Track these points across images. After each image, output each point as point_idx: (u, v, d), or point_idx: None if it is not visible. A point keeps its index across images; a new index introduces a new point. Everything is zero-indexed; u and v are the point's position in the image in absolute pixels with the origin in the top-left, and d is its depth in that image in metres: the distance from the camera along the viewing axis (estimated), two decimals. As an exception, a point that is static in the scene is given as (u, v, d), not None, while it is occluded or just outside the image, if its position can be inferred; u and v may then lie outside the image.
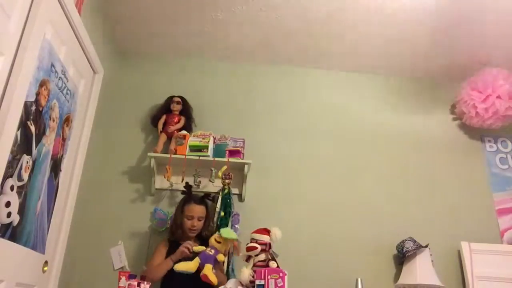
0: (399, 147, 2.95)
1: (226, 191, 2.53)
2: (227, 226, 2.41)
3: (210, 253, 2.07)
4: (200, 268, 2.04)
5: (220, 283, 2.07)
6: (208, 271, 2.01)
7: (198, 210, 2.31)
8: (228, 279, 2.23)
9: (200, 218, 2.31)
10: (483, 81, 2.79)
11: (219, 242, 2.11)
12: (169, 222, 2.52)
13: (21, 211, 1.74)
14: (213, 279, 2.01)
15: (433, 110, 3.09)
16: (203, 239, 2.28)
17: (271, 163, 2.82)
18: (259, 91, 3.04)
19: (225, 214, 2.46)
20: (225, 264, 2.34)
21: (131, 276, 2.01)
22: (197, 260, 2.06)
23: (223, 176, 2.53)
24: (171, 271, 2.11)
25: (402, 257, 2.53)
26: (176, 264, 2.06)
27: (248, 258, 2.04)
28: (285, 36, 2.80)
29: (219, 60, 3.09)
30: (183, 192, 2.40)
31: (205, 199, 2.41)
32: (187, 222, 2.29)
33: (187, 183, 2.42)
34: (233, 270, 2.41)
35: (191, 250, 2.11)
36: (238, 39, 2.86)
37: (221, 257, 2.09)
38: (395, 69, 3.10)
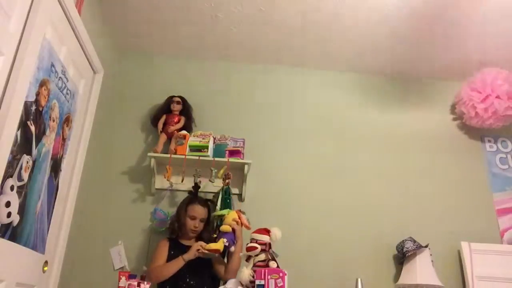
0: (399, 147, 2.95)
1: (226, 188, 2.54)
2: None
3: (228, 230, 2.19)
4: (226, 248, 2.14)
5: (231, 268, 2.16)
6: (218, 243, 2.12)
7: (201, 211, 2.33)
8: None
9: (202, 219, 2.33)
10: (482, 81, 2.80)
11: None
12: (169, 222, 2.53)
13: (21, 211, 1.74)
14: (215, 246, 2.10)
15: (433, 110, 3.09)
16: (202, 240, 2.27)
17: (271, 163, 2.82)
18: (259, 91, 3.04)
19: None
20: None
21: (131, 276, 2.02)
22: (222, 241, 2.12)
23: (224, 176, 2.53)
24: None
25: (402, 257, 2.53)
26: (209, 244, 2.12)
27: (248, 258, 2.04)
28: (285, 36, 2.80)
29: (219, 60, 3.08)
30: (190, 192, 2.42)
31: (209, 202, 2.43)
32: (189, 222, 2.30)
33: (196, 183, 2.45)
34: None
35: (204, 251, 2.14)
36: (238, 39, 2.86)
37: (224, 228, 2.19)
38: (395, 69, 3.10)
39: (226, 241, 2.13)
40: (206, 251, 2.12)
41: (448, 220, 2.76)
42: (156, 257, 2.24)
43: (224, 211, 2.33)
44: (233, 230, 2.20)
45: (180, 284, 2.14)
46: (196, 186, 2.43)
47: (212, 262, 2.24)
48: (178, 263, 2.12)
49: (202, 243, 2.16)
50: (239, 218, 2.22)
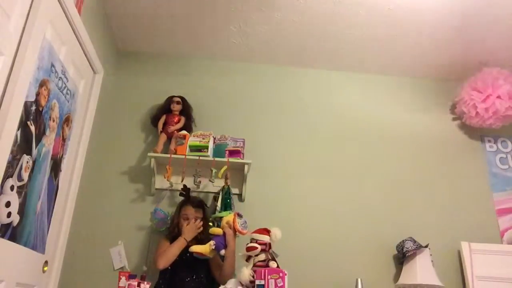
0: (399, 147, 2.95)
1: (226, 188, 2.54)
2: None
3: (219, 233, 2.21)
4: (216, 251, 2.14)
5: (225, 269, 2.16)
6: (201, 246, 2.15)
7: (193, 211, 2.33)
8: None
9: (196, 219, 2.31)
10: (483, 81, 2.79)
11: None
12: (169, 222, 2.52)
13: (21, 211, 1.74)
14: (196, 249, 2.13)
15: (433, 110, 3.09)
16: (200, 241, 2.27)
17: (271, 163, 2.82)
18: (259, 91, 3.04)
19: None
20: None
21: (131, 276, 2.02)
22: (209, 244, 2.13)
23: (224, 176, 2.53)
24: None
25: (402, 257, 2.53)
26: (192, 247, 2.13)
27: (248, 258, 2.04)
28: (285, 36, 2.80)
29: (219, 60, 3.08)
30: (180, 194, 2.42)
31: (203, 203, 2.43)
32: (183, 222, 2.30)
33: (184, 185, 2.43)
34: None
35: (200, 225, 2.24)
36: (238, 39, 2.86)
37: (214, 230, 2.20)
38: (395, 69, 3.10)
39: (213, 244, 2.13)
40: (194, 252, 2.14)
41: (448, 220, 2.76)
42: (159, 249, 2.25)
43: (224, 213, 2.32)
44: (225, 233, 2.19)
45: (178, 282, 2.15)
46: (186, 188, 2.41)
47: (210, 262, 2.25)
48: (181, 243, 2.18)
49: (198, 224, 2.25)
50: (233, 222, 2.21)
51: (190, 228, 2.25)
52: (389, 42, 2.80)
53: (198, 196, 2.55)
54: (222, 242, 2.16)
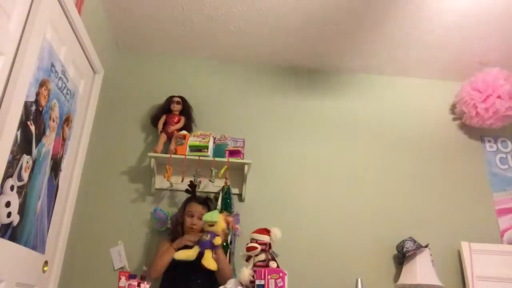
0: (399, 147, 2.95)
1: (226, 188, 2.54)
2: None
3: (206, 238, 2.11)
4: (200, 256, 2.08)
5: (222, 269, 2.13)
6: (206, 259, 2.06)
7: (198, 209, 2.32)
8: (230, 260, 2.33)
9: (200, 217, 2.31)
10: (484, 81, 2.80)
11: (211, 225, 2.13)
12: (169, 222, 2.52)
13: (21, 211, 1.74)
14: (212, 266, 2.06)
15: (433, 110, 3.09)
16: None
17: (271, 163, 2.82)
18: (259, 91, 3.04)
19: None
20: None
21: (131, 276, 2.02)
22: (196, 248, 2.10)
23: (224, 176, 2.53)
24: (173, 264, 2.15)
25: (402, 257, 2.53)
26: (176, 253, 2.10)
27: (248, 258, 2.04)
28: (285, 36, 2.80)
29: (219, 60, 3.08)
30: (187, 191, 2.41)
31: (208, 201, 2.42)
32: (187, 220, 2.30)
33: (191, 181, 2.43)
34: (233, 253, 2.43)
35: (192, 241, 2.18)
36: (238, 39, 2.86)
37: (217, 240, 2.10)
38: (396, 69, 3.10)
39: (199, 252, 2.09)
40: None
41: (448, 220, 2.76)
42: (159, 250, 2.27)
43: (212, 216, 2.15)
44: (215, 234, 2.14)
45: (180, 284, 2.15)
46: (192, 185, 2.41)
47: None
48: (169, 252, 2.17)
49: (189, 237, 2.21)
50: (230, 224, 2.18)
51: (181, 239, 2.22)
52: (391, 44, 2.80)
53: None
54: (208, 245, 2.11)
